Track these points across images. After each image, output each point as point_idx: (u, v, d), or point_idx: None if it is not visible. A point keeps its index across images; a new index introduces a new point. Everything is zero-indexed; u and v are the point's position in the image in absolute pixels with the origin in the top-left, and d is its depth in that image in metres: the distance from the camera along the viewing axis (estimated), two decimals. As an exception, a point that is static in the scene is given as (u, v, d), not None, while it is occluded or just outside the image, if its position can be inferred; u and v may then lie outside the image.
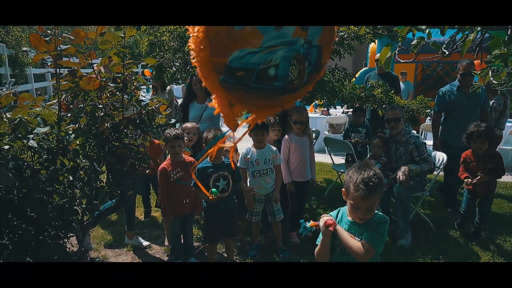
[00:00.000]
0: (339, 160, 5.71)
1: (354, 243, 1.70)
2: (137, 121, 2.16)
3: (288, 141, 3.54)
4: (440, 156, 3.83)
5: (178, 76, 4.63)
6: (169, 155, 3.19)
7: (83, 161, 2.18)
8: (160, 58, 4.26)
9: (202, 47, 0.86)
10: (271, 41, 0.96)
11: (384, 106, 4.93)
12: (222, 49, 0.89)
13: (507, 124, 6.81)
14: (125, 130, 2.25)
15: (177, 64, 4.18)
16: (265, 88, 1.02)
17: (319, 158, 6.66)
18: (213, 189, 2.85)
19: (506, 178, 5.72)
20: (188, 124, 3.67)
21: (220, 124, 4.80)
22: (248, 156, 3.30)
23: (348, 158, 4.88)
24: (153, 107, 2.28)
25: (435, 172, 3.77)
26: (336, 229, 1.71)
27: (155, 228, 3.95)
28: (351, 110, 8.68)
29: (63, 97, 1.91)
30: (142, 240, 3.60)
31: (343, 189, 1.77)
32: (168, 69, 4.60)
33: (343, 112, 8.78)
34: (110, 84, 2.20)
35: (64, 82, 1.79)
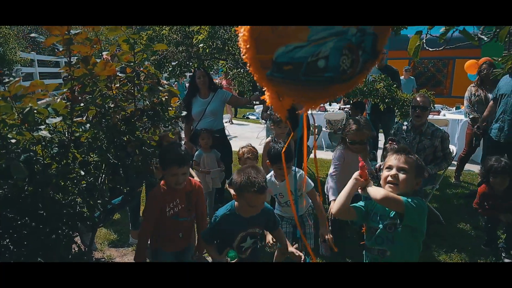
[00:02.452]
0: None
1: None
2: (151, 112, 2.05)
3: (343, 156, 3.06)
4: (452, 149, 3.79)
5: (178, 72, 4.52)
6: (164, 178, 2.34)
7: (92, 155, 2.07)
8: (162, 53, 4.15)
9: (248, 46, 0.91)
10: (319, 33, 0.97)
11: (386, 100, 4.90)
12: (268, 46, 0.93)
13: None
14: (137, 123, 2.14)
15: (180, 57, 4.07)
16: (315, 80, 1.01)
17: (319, 154, 6.62)
18: (231, 253, 2.11)
19: None
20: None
21: (229, 120, 4.70)
22: (271, 189, 2.71)
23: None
24: (165, 97, 2.17)
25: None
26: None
27: (159, 227, 3.83)
28: (348, 106, 8.69)
29: (68, 88, 1.78)
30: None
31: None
32: (167, 64, 4.49)
33: (339, 109, 8.75)
34: (120, 74, 2.10)
35: (77, 68, 1.67)
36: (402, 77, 8.28)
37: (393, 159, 1.67)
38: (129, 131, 2.06)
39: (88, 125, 1.72)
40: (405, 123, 3.96)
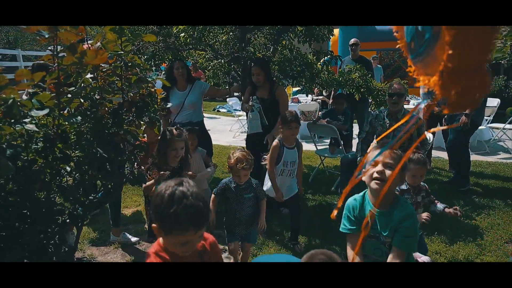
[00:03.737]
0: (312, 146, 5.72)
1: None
2: (140, 104, 1.97)
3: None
4: (428, 136, 3.92)
5: (152, 63, 4.37)
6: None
7: (77, 150, 1.97)
8: (138, 44, 4.00)
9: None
10: None
11: (362, 90, 4.99)
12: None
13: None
14: (124, 116, 2.06)
15: (157, 48, 3.94)
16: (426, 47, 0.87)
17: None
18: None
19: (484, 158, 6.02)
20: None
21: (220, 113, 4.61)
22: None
23: (331, 141, 4.90)
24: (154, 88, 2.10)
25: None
26: None
27: (141, 223, 3.74)
28: (321, 97, 8.80)
29: (53, 78, 1.68)
30: (129, 236, 3.38)
31: (363, 170, 1.69)
32: (140, 56, 4.34)
33: (312, 100, 8.84)
34: (104, 65, 2.00)
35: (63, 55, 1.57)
36: None
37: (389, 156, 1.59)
38: (117, 124, 1.97)
39: (79, 117, 1.62)
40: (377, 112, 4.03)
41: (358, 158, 3.79)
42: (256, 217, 2.69)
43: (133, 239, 3.37)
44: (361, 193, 1.76)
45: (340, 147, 4.56)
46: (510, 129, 6.52)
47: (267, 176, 3.17)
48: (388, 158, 1.58)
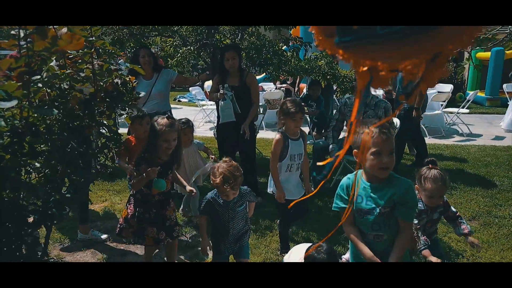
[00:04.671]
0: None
1: (402, 247, 1.68)
2: (115, 93, 1.85)
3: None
4: (395, 121, 4.04)
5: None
6: None
7: (42, 146, 1.82)
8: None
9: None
10: None
11: (328, 77, 5.05)
12: None
13: (429, 90, 7.50)
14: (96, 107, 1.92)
15: (121, 34, 3.73)
16: (396, 31, 0.82)
17: (263, 134, 6.66)
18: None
19: (434, 141, 6.32)
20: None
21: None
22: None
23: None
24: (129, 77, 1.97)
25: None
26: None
27: (109, 219, 3.58)
28: (285, 85, 8.84)
29: (20, 65, 1.52)
30: (99, 234, 3.23)
31: (354, 150, 1.72)
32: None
33: (276, 88, 8.85)
34: (71, 52, 1.85)
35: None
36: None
37: (382, 142, 1.59)
38: (90, 115, 1.84)
39: (55, 109, 1.48)
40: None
41: (330, 146, 3.84)
42: (247, 226, 2.40)
43: (103, 236, 3.22)
44: (354, 172, 1.79)
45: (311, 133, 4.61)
46: (463, 113, 6.90)
47: (270, 177, 2.88)
48: (390, 145, 1.61)
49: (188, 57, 3.87)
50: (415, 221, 2.13)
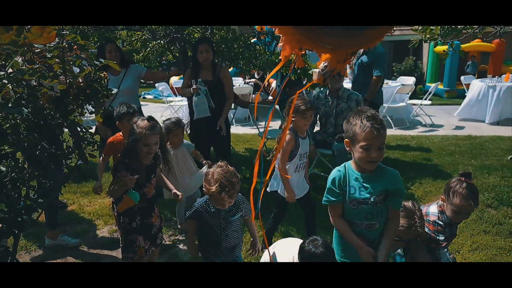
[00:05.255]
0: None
1: (393, 233, 1.74)
2: (89, 91, 1.73)
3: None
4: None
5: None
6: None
7: (7, 148, 1.69)
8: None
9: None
10: None
11: (299, 71, 5.06)
12: None
13: (392, 83, 7.72)
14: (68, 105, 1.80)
15: (85, 28, 3.53)
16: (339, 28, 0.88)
17: (233, 130, 6.59)
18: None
19: (394, 132, 6.52)
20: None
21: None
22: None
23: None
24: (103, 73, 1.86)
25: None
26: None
27: (79, 222, 3.41)
28: (253, 80, 8.80)
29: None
30: (68, 238, 3.06)
31: (345, 140, 1.72)
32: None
33: (245, 83, 8.80)
34: (37, 46, 1.71)
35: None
36: None
37: (372, 137, 1.58)
38: (62, 114, 1.71)
39: (24, 108, 1.36)
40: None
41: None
42: (240, 237, 2.20)
43: (73, 241, 3.06)
44: (342, 165, 1.79)
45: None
46: (425, 104, 7.17)
47: (275, 175, 2.72)
48: (382, 140, 1.62)
49: (158, 52, 3.74)
50: (441, 237, 2.00)
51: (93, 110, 2.20)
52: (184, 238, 3.12)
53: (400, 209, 1.77)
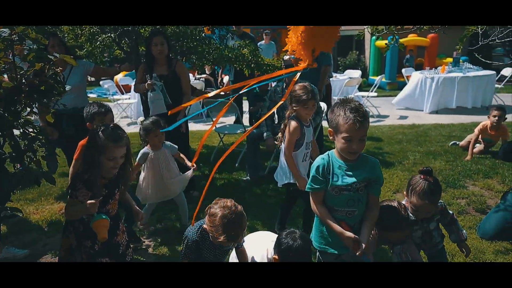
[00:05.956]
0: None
1: (373, 219, 1.77)
2: (43, 87, 1.58)
3: None
4: (323, 105, 4.19)
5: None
6: None
7: None
8: None
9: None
10: None
11: (252, 65, 5.04)
12: None
13: (341, 77, 7.97)
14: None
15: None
16: None
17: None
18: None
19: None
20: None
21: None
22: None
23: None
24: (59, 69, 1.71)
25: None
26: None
27: (26, 232, 3.13)
28: (204, 76, 8.65)
29: None
30: (15, 250, 2.81)
31: (329, 129, 1.75)
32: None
33: (196, 79, 8.62)
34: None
35: None
36: (262, 42, 8.64)
37: (354, 129, 1.61)
38: (13, 113, 1.55)
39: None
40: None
41: (265, 134, 3.85)
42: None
43: (21, 252, 2.81)
44: (326, 153, 1.81)
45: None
46: (372, 96, 7.51)
47: (281, 164, 2.69)
48: (363, 133, 1.65)
49: (107, 46, 3.52)
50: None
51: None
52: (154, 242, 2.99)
53: (379, 195, 1.81)
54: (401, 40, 11.13)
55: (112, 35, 3.43)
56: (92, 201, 1.76)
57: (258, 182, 3.97)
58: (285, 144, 2.63)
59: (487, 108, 7.36)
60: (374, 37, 11.56)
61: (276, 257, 1.79)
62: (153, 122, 2.78)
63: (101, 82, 8.13)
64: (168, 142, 2.91)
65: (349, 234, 1.69)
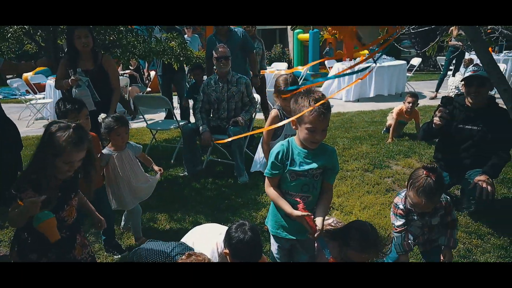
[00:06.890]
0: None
1: (327, 203, 1.83)
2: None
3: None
4: (256, 97, 4.24)
5: None
6: None
7: None
8: None
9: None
10: None
11: (182, 59, 4.91)
12: None
13: (268, 69, 8.12)
14: None
15: None
16: None
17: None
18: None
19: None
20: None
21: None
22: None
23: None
24: None
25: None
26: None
27: None
28: (128, 71, 8.21)
29: None
30: None
31: (292, 119, 1.75)
32: None
33: (120, 75, 8.15)
34: None
35: None
36: (185, 36, 8.43)
37: (318, 121, 1.63)
38: None
39: None
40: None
41: (201, 128, 3.79)
42: None
43: None
44: (286, 140, 1.83)
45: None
46: (299, 87, 7.77)
47: (258, 152, 2.69)
48: (326, 124, 1.69)
49: (19, 39, 3.16)
50: (397, 222, 2.08)
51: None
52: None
53: (333, 183, 1.87)
54: (322, 34, 11.64)
55: (26, 26, 3.08)
56: (33, 198, 1.49)
57: (196, 177, 3.90)
58: (264, 132, 2.69)
59: (401, 95, 8.08)
60: (296, 31, 11.99)
61: (227, 251, 1.77)
62: (117, 120, 2.49)
63: (8, 81, 7.30)
64: (132, 142, 2.66)
65: (298, 212, 1.69)
